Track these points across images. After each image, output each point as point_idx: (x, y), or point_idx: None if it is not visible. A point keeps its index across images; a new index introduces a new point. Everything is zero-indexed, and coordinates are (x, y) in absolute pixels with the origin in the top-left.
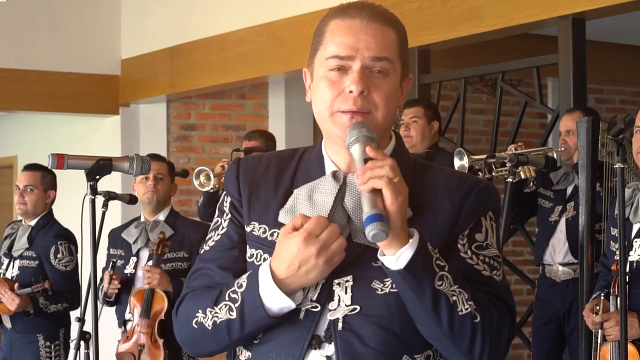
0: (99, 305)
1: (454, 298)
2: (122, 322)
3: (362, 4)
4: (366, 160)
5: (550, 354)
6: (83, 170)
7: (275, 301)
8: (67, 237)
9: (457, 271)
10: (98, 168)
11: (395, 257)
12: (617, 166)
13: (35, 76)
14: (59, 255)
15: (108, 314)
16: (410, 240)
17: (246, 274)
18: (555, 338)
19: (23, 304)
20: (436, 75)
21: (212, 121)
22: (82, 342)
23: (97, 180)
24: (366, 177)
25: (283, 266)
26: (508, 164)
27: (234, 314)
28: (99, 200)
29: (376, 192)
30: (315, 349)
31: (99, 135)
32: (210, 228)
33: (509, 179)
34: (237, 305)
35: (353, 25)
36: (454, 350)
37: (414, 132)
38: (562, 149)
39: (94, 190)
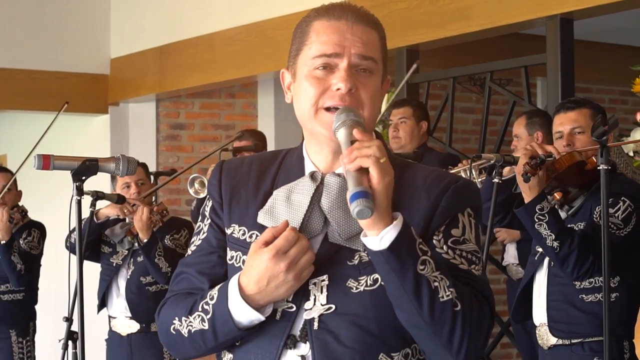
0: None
1: (436, 284)
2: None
3: (346, 6)
4: (352, 142)
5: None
6: (69, 171)
7: (244, 315)
8: (40, 228)
9: (439, 259)
10: (84, 169)
11: (379, 237)
12: (601, 167)
13: (24, 75)
14: (29, 238)
15: (96, 311)
16: (395, 222)
17: (218, 286)
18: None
19: (6, 226)
20: (425, 75)
21: (201, 120)
22: (70, 342)
23: (83, 181)
24: (353, 156)
25: (252, 282)
26: (495, 165)
27: (207, 325)
28: (87, 200)
29: (362, 172)
30: (291, 348)
31: (89, 134)
32: (194, 232)
33: (495, 180)
34: (208, 317)
35: (339, 26)
36: (433, 338)
37: (402, 133)
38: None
39: (80, 191)
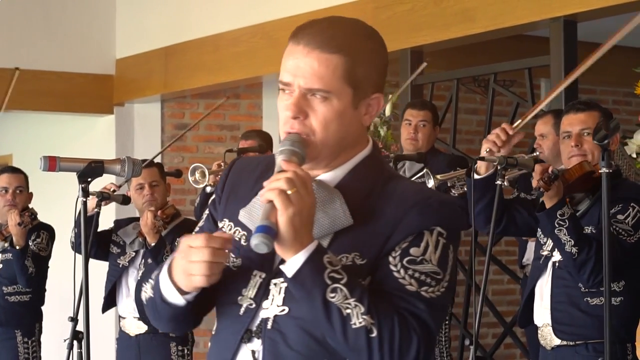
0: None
1: (348, 311)
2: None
3: (311, 27)
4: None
5: None
6: (75, 173)
7: (169, 293)
8: (49, 230)
9: (361, 285)
10: (90, 170)
11: (286, 266)
12: (602, 171)
13: (30, 75)
14: (38, 240)
15: (101, 312)
16: (301, 252)
17: (167, 261)
18: None
19: (22, 231)
20: (429, 76)
21: (206, 121)
22: (75, 342)
23: (89, 182)
24: (265, 189)
25: (175, 266)
26: (498, 167)
27: (153, 294)
28: (93, 201)
29: (272, 204)
30: (246, 342)
31: (94, 134)
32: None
33: (498, 182)
34: (153, 286)
35: (296, 52)
36: None
37: (421, 136)
38: (538, 152)
39: (85, 193)
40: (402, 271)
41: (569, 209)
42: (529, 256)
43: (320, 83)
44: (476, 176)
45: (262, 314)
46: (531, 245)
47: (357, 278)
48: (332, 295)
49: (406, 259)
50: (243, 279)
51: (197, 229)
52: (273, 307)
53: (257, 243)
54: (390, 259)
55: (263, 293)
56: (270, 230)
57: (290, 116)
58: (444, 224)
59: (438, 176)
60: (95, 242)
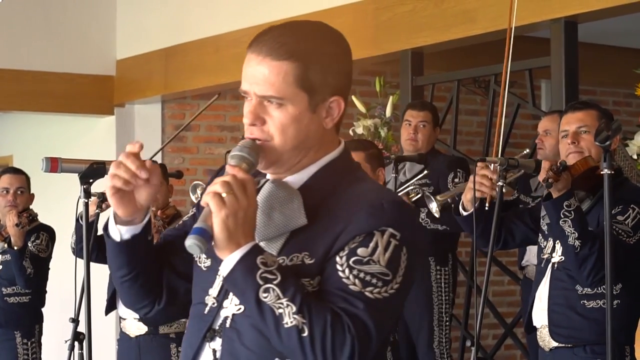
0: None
1: (280, 310)
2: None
3: (265, 35)
4: None
5: None
6: (76, 174)
7: (111, 225)
8: (49, 231)
9: (296, 284)
10: (91, 172)
11: (222, 266)
12: (604, 172)
13: (30, 76)
14: (37, 241)
15: (102, 312)
16: (235, 252)
17: None
18: None
19: (19, 232)
20: (429, 77)
21: (206, 122)
22: (76, 343)
23: (91, 183)
24: (205, 193)
25: None
26: (498, 168)
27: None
28: (94, 204)
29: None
30: (209, 341)
31: (94, 135)
32: None
33: (500, 183)
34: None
35: (251, 60)
36: None
37: (421, 137)
38: (538, 149)
39: (87, 194)
40: (347, 271)
41: (576, 201)
42: (528, 257)
43: (272, 90)
44: (464, 213)
45: (223, 313)
46: (531, 247)
47: (306, 277)
48: (265, 295)
49: (352, 259)
50: (210, 278)
51: (180, 222)
52: (232, 305)
53: (190, 245)
54: (338, 259)
55: (224, 292)
56: (203, 232)
57: (248, 123)
58: (397, 225)
59: (438, 197)
60: (96, 246)
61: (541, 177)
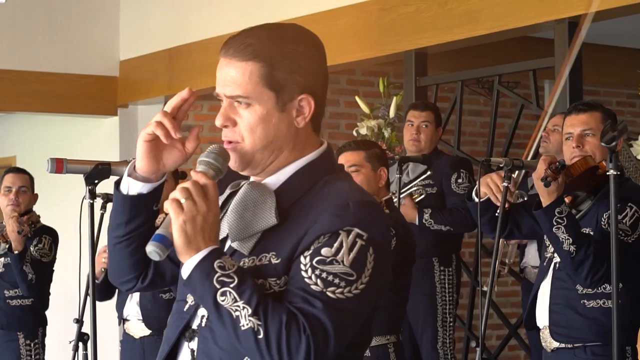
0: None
1: (237, 313)
2: (121, 320)
3: (233, 39)
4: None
5: None
6: (82, 175)
7: (124, 180)
8: (51, 234)
9: (253, 287)
10: (97, 172)
11: (182, 270)
12: (610, 173)
13: (33, 77)
14: (39, 245)
15: (106, 313)
16: (193, 257)
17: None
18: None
19: (20, 238)
20: (433, 78)
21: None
22: (80, 344)
23: (96, 184)
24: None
25: None
26: (504, 169)
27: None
28: (98, 202)
29: None
30: (188, 341)
31: (98, 136)
32: None
33: (504, 183)
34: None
35: (220, 64)
36: None
37: (424, 137)
38: (543, 144)
39: (92, 195)
40: (309, 271)
41: (567, 207)
42: (526, 259)
43: (239, 90)
44: (475, 199)
45: (200, 312)
46: (529, 250)
47: (272, 277)
48: (222, 298)
49: (316, 259)
50: None
51: None
52: None
53: (150, 251)
54: (302, 258)
55: None
56: (163, 239)
57: (219, 125)
58: (364, 225)
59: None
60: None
61: (538, 175)
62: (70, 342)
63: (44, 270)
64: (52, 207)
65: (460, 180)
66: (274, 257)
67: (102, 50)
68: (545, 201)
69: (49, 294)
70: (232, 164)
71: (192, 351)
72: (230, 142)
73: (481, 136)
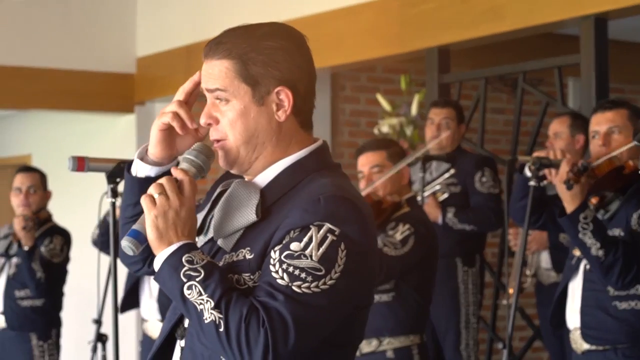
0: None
1: (201, 307)
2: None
3: (212, 39)
4: None
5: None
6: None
7: (135, 163)
8: (63, 235)
9: (219, 280)
10: (119, 171)
11: (154, 264)
12: None
13: (49, 74)
14: (50, 245)
15: (124, 314)
16: (163, 251)
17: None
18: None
19: (26, 234)
20: (456, 75)
21: None
22: (99, 344)
23: (118, 183)
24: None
25: None
26: (531, 167)
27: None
28: (118, 202)
29: None
30: (180, 339)
31: (114, 134)
32: None
33: (532, 182)
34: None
35: (204, 62)
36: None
37: (445, 134)
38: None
39: (114, 193)
40: (277, 265)
41: (591, 211)
42: (535, 267)
43: (217, 83)
44: (527, 173)
45: None
46: (543, 257)
47: (246, 272)
48: (189, 292)
49: (285, 254)
50: None
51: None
52: None
53: (124, 246)
54: (272, 253)
55: None
56: (136, 234)
57: (202, 124)
58: (335, 221)
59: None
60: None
61: (560, 178)
62: (89, 342)
63: (55, 271)
64: (69, 206)
65: (484, 179)
66: (248, 252)
67: (119, 46)
68: (568, 206)
69: (62, 294)
70: (220, 162)
71: (182, 349)
72: (218, 141)
73: (504, 134)
